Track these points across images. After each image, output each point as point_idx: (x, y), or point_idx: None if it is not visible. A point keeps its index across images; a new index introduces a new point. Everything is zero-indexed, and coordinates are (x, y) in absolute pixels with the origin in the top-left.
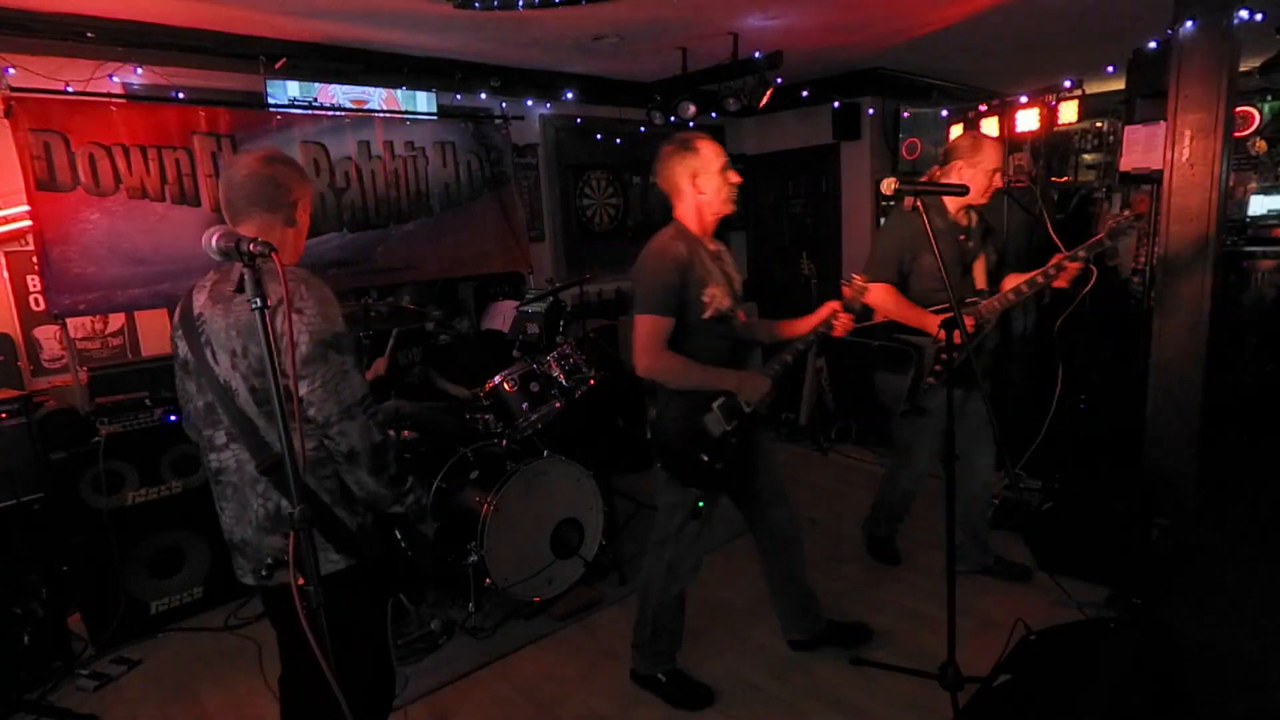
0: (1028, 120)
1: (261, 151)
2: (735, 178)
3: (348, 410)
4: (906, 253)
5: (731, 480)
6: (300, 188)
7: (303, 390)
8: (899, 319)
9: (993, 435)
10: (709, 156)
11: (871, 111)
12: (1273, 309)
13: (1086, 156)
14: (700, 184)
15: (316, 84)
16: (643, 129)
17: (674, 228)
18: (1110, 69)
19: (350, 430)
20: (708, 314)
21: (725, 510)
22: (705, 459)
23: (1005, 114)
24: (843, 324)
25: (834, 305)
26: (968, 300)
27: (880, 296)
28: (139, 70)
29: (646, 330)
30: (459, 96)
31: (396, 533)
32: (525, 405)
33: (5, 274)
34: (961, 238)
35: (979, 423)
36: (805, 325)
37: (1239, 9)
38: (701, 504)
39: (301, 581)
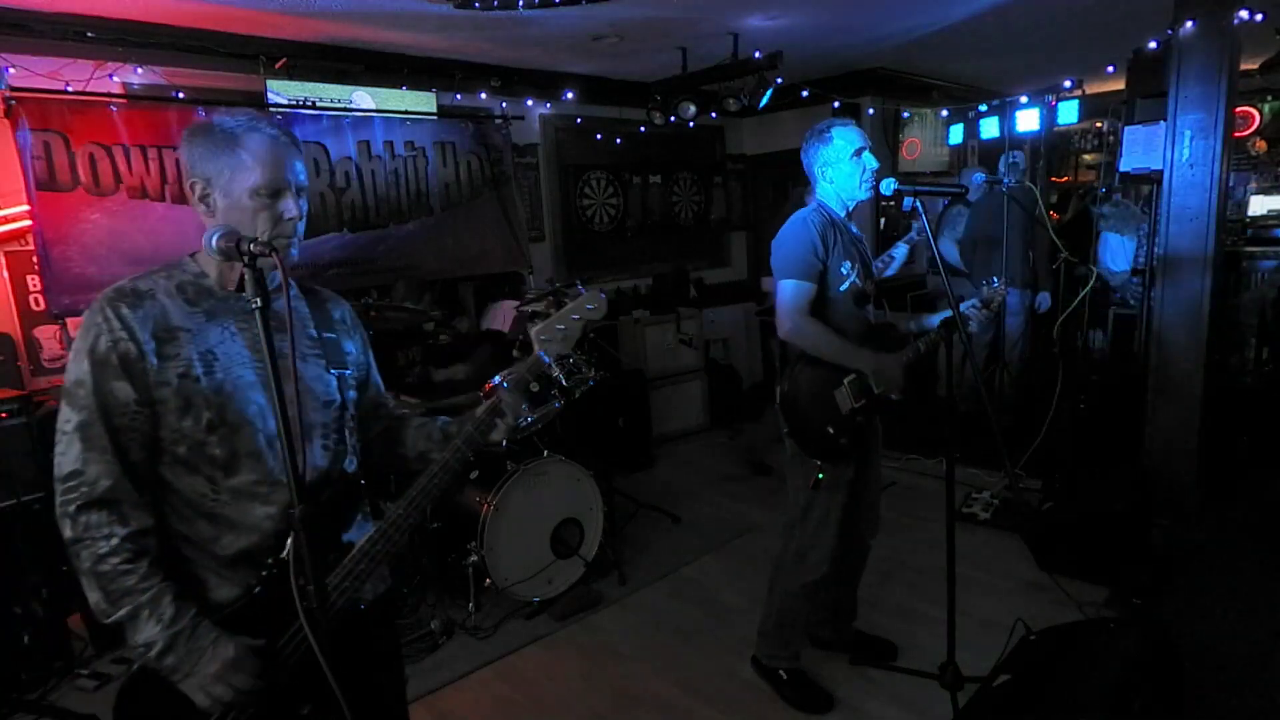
0: (1028, 120)
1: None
2: (872, 162)
3: (55, 481)
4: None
5: (853, 458)
6: (205, 164)
7: None
8: None
9: None
10: (840, 146)
11: (871, 111)
12: (1273, 309)
13: (1086, 156)
14: (829, 174)
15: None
16: (643, 129)
17: (815, 204)
18: (1110, 69)
19: (56, 503)
20: (845, 285)
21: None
22: (831, 431)
23: (1005, 114)
24: (978, 319)
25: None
26: None
27: None
28: (139, 70)
29: (789, 295)
30: (459, 96)
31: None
32: (525, 405)
33: (5, 274)
34: None
35: None
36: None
37: (1239, 9)
38: (821, 475)
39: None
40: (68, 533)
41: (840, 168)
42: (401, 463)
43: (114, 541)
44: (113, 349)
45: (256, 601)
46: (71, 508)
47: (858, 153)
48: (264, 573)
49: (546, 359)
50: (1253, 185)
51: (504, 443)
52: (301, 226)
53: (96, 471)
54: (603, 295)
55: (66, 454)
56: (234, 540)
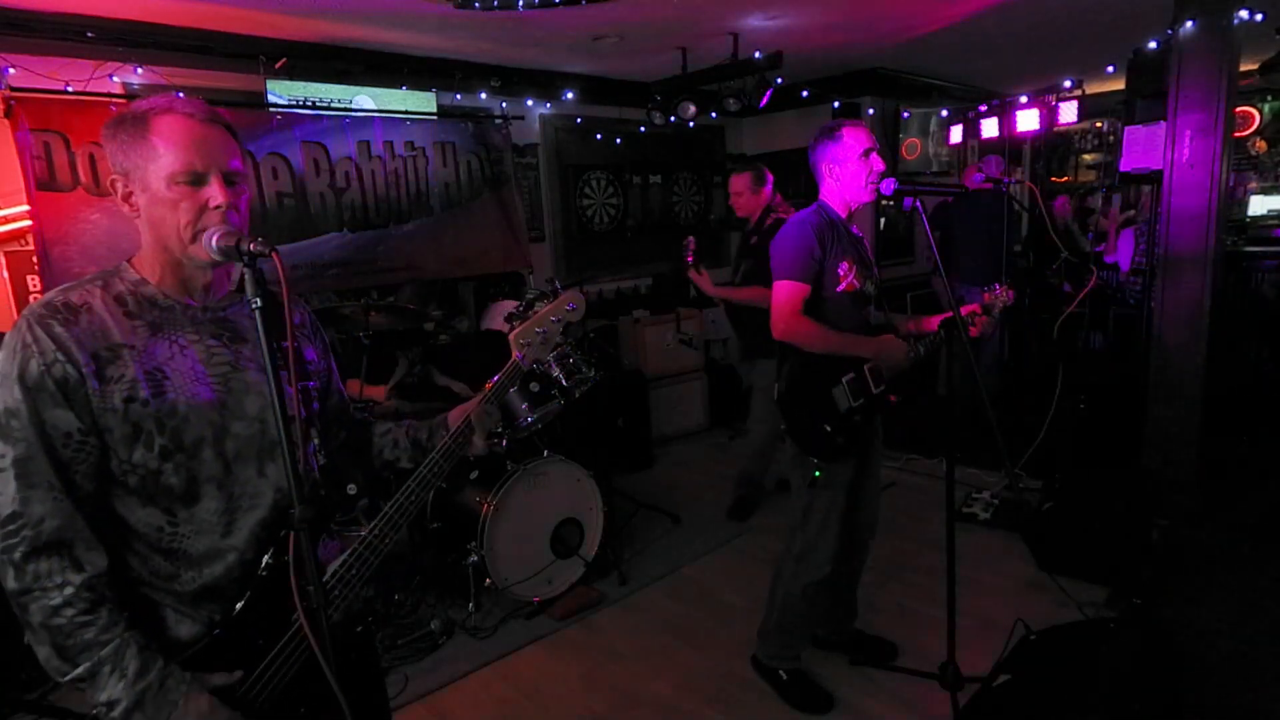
0: (1028, 120)
1: None
2: (879, 164)
3: None
4: None
5: (850, 457)
6: (122, 158)
7: None
8: None
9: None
10: (849, 145)
11: (872, 111)
12: (1273, 309)
13: (1086, 156)
14: (836, 172)
15: (316, 84)
16: (643, 129)
17: (816, 205)
18: (1110, 69)
19: None
20: (841, 286)
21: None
22: (828, 429)
23: (1005, 114)
24: (980, 326)
25: (974, 306)
26: None
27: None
28: (139, 70)
29: (784, 295)
30: (459, 96)
31: None
32: (525, 405)
33: (5, 274)
34: None
35: None
36: (938, 322)
37: (1239, 9)
38: (819, 474)
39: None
40: (12, 583)
41: (847, 167)
42: (366, 471)
43: (68, 591)
44: (46, 373)
45: (219, 641)
46: (16, 555)
47: (866, 153)
48: (234, 606)
49: (525, 363)
50: (1253, 185)
51: (504, 442)
52: (236, 217)
53: (41, 511)
54: (581, 295)
55: (2, 494)
56: (195, 576)
